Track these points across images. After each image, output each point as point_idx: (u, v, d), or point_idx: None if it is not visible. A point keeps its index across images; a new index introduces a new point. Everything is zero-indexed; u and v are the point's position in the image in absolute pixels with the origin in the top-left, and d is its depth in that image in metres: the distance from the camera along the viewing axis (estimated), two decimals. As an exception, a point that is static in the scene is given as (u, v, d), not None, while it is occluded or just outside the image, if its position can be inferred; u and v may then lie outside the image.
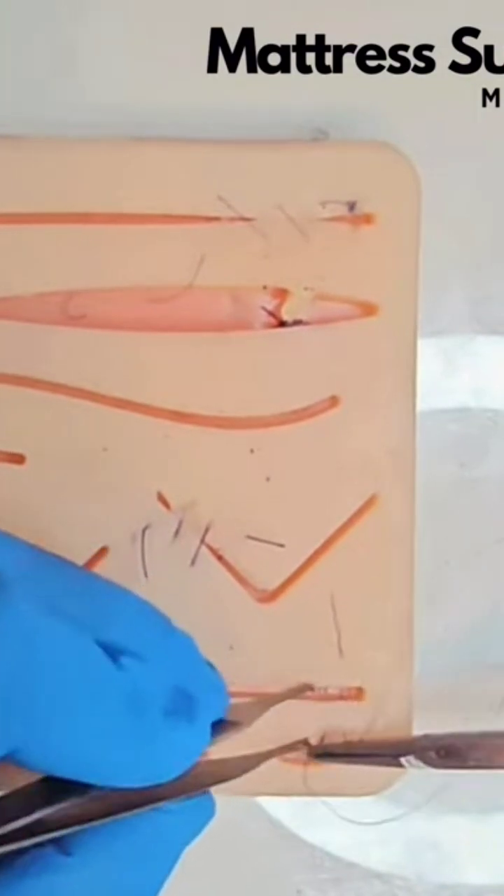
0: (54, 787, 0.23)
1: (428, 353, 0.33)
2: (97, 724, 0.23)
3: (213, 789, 0.26)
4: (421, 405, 0.32)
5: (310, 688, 0.31)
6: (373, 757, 0.31)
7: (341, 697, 0.31)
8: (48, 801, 0.23)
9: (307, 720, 0.31)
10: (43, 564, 0.25)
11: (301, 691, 0.31)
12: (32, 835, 0.23)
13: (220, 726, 0.25)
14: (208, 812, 0.26)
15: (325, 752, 0.31)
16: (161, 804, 0.24)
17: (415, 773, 0.30)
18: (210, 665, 0.26)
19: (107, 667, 0.23)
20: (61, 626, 0.23)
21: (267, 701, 0.29)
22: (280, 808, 0.34)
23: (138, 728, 0.23)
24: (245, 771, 0.27)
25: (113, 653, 0.24)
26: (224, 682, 0.26)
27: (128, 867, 0.24)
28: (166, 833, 0.25)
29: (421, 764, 0.30)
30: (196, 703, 0.24)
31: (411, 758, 0.30)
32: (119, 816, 0.24)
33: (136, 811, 0.24)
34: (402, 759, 0.30)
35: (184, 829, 0.25)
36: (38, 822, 0.23)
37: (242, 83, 0.33)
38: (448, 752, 0.30)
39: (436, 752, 0.30)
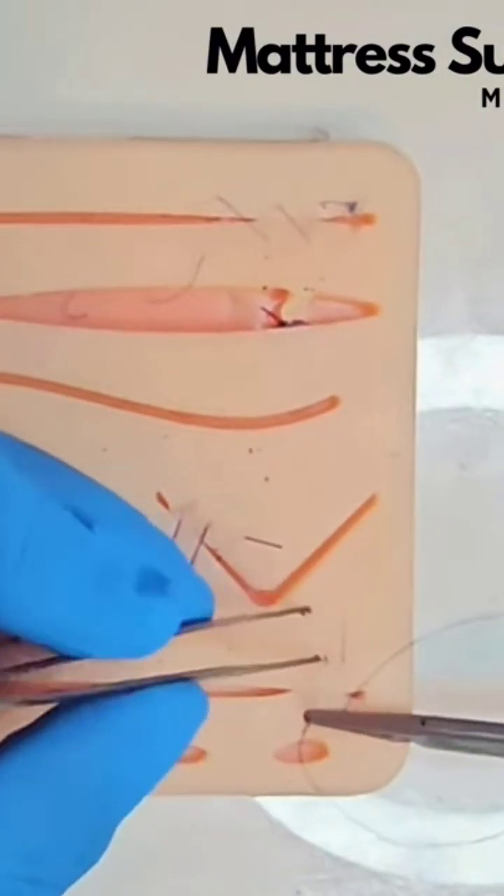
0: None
1: (428, 353, 0.33)
2: (67, 587, 0.23)
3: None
4: (421, 405, 0.32)
5: (307, 609, 0.30)
6: (365, 727, 0.31)
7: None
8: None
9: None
10: (18, 441, 0.25)
11: (297, 611, 0.30)
12: None
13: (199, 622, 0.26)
14: (201, 709, 0.26)
15: (320, 717, 0.31)
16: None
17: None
18: (191, 568, 0.26)
19: (78, 529, 0.23)
20: (31, 485, 0.23)
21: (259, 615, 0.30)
22: (280, 808, 0.34)
23: (108, 598, 0.23)
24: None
25: (86, 522, 0.23)
26: (209, 588, 0.26)
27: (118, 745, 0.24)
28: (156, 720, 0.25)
29: (412, 741, 0.30)
30: (168, 583, 0.25)
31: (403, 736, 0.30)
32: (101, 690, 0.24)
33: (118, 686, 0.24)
34: (395, 736, 0.31)
35: (174, 720, 0.25)
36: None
37: (242, 83, 0.33)
38: (439, 738, 0.30)
39: (428, 735, 0.30)
